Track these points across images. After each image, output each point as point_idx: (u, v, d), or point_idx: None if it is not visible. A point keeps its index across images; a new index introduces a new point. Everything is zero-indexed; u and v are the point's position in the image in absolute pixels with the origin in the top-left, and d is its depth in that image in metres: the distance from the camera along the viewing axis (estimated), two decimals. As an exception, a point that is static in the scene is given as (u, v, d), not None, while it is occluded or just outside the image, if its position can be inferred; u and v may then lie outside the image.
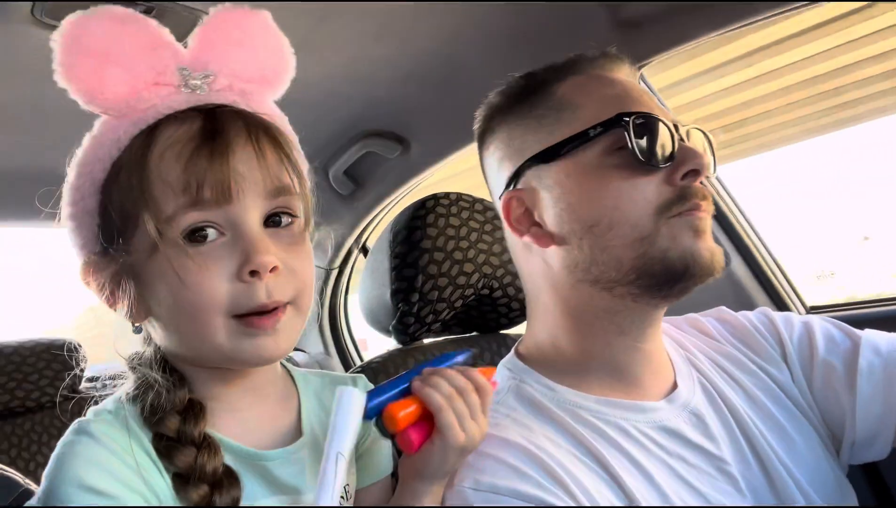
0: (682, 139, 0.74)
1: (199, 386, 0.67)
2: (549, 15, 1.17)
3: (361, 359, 2.29)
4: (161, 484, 0.61)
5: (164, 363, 0.67)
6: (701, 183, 0.74)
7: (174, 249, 0.60)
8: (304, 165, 0.73)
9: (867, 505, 1.16)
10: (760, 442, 0.75)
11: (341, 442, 0.59)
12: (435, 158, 1.62)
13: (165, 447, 0.62)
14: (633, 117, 0.72)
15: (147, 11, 0.98)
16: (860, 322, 1.28)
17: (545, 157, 0.76)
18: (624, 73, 0.82)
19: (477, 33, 1.22)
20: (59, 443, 0.62)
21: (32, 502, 0.63)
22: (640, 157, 0.71)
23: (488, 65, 1.28)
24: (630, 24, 1.16)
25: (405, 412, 0.64)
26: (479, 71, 1.30)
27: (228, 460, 0.64)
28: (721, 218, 1.39)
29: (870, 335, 0.83)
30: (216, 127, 0.62)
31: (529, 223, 0.78)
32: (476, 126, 0.87)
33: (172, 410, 0.63)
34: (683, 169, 0.72)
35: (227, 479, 0.62)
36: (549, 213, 0.76)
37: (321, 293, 2.18)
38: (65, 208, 0.66)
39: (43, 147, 1.32)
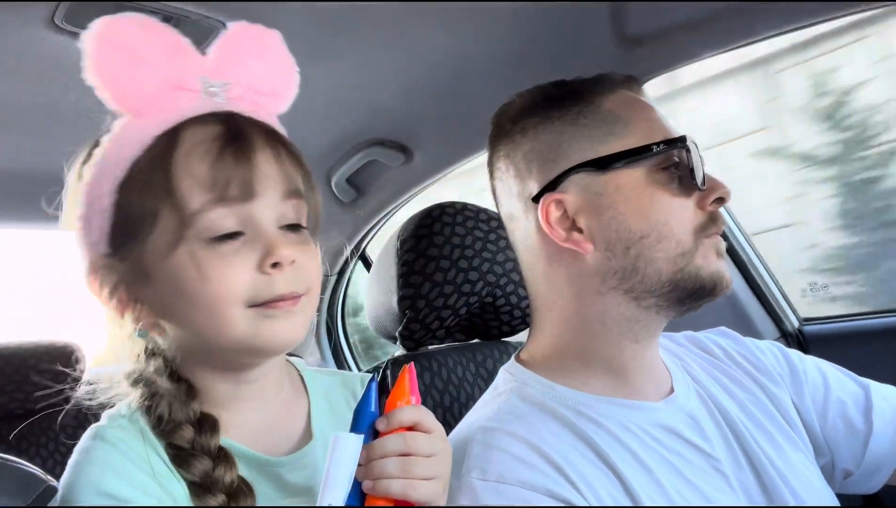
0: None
1: (208, 393, 0.68)
2: (555, 31, 1.20)
3: (359, 367, 2.30)
4: (179, 491, 0.63)
5: (173, 373, 0.68)
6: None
7: (197, 243, 0.62)
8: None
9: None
10: (753, 447, 0.78)
11: (335, 494, 0.57)
12: (438, 168, 1.64)
13: (180, 456, 0.63)
14: (689, 142, 0.77)
15: (166, 19, 1.00)
16: (858, 334, 1.33)
17: (596, 165, 0.78)
18: (643, 97, 0.86)
19: (485, 48, 1.24)
20: (76, 450, 0.63)
21: (54, 503, 0.63)
22: (694, 180, 0.76)
23: (494, 79, 1.30)
24: (633, 42, 1.19)
25: None
26: (485, 84, 1.32)
27: (241, 466, 0.65)
28: (718, 231, 1.42)
29: (874, 383, 0.89)
30: (238, 130, 0.65)
31: (569, 227, 0.79)
32: (499, 123, 0.87)
33: (185, 422, 0.64)
34: (714, 196, 0.77)
35: (244, 488, 0.64)
36: (595, 220, 0.78)
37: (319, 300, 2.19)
38: (75, 209, 0.66)
39: (53, 150, 1.33)
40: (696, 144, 0.78)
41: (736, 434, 0.79)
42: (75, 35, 1.00)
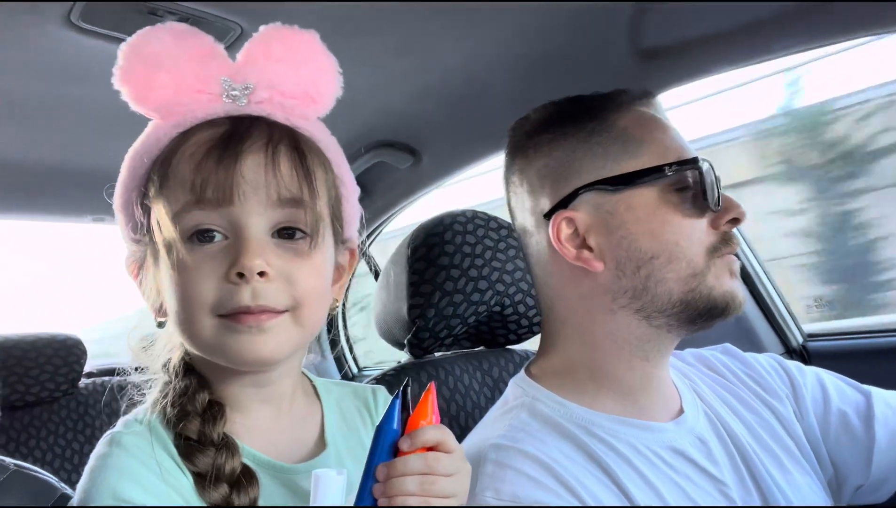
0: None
1: (223, 392, 0.69)
2: (570, 41, 1.19)
3: (358, 365, 2.30)
4: (185, 484, 0.62)
5: (187, 368, 0.69)
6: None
7: (183, 244, 0.63)
8: (345, 183, 0.74)
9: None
10: (760, 471, 0.78)
11: None
12: (445, 171, 1.64)
13: (186, 448, 0.63)
14: (702, 162, 0.77)
15: (182, 21, 0.99)
16: (861, 352, 1.33)
17: (608, 184, 0.78)
18: (661, 114, 0.86)
19: (498, 54, 1.23)
20: (92, 455, 0.63)
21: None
22: (707, 201, 0.76)
23: (506, 85, 1.30)
24: (648, 55, 1.19)
25: None
26: (497, 90, 1.32)
27: (257, 472, 0.65)
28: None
29: (877, 390, 0.88)
30: (235, 133, 0.64)
31: (579, 245, 0.80)
32: (514, 137, 0.88)
33: (194, 413, 0.65)
34: (728, 216, 0.78)
35: (246, 479, 0.64)
36: (606, 239, 0.78)
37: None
38: (115, 199, 0.71)
39: (63, 144, 1.33)
40: (711, 165, 0.78)
41: (744, 457, 0.80)
42: (91, 33, 1.00)
